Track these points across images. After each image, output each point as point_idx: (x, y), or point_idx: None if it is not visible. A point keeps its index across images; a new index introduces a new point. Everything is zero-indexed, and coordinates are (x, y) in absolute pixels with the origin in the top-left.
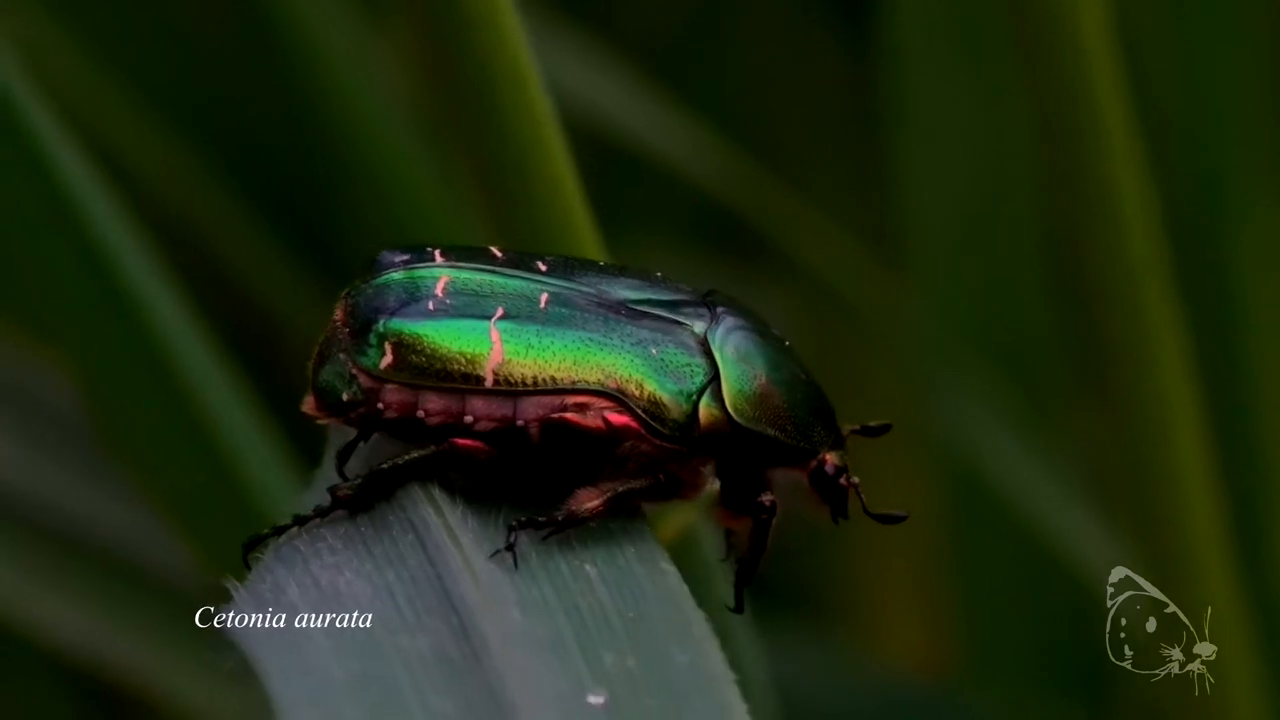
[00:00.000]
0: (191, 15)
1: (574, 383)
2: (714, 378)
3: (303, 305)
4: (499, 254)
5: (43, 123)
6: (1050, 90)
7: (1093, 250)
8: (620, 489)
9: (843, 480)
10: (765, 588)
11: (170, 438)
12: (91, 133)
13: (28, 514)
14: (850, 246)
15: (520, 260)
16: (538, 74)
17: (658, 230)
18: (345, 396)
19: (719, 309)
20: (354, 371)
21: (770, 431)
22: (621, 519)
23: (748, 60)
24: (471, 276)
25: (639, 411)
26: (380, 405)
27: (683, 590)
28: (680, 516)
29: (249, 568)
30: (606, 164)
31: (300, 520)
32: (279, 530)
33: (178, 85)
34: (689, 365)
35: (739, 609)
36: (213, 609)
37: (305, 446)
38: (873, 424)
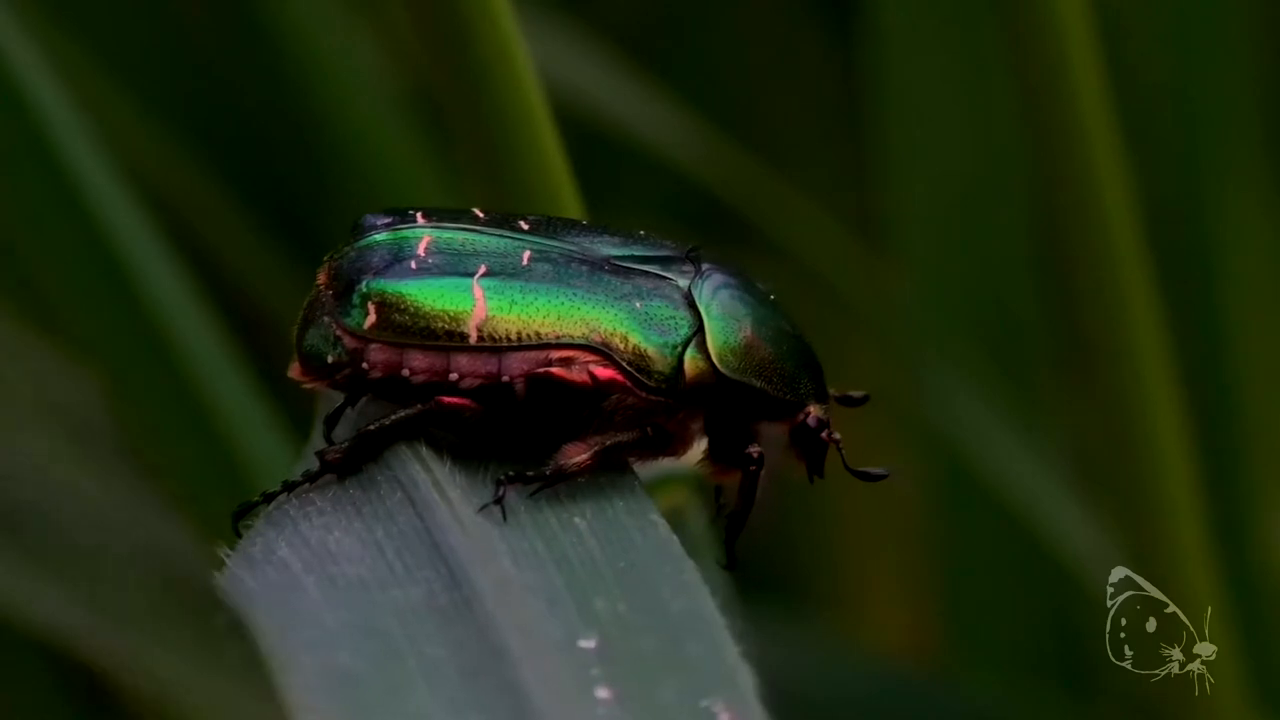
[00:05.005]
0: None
1: (558, 337)
2: (699, 330)
3: (287, 291)
4: (481, 214)
5: (54, 116)
6: (1033, 76)
7: (1075, 235)
8: (608, 443)
9: (824, 435)
10: (750, 573)
11: (182, 429)
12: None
13: (38, 508)
14: (836, 232)
15: (503, 220)
16: (529, 59)
17: (643, 215)
18: (330, 359)
19: (703, 264)
20: (338, 333)
21: (756, 383)
22: (610, 473)
23: (734, 46)
24: (454, 236)
25: (624, 365)
26: (365, 365)
27: (673, 540)
28: (668, 496)
29: (240, 536)
30: (593, 150)
31: (289, 486)
32: (269, 497)
33: (161, 71)
34: (673, 318)
35: (731, 565)
36: (205, 577)
37: (301, 430)
38: (853, 393)
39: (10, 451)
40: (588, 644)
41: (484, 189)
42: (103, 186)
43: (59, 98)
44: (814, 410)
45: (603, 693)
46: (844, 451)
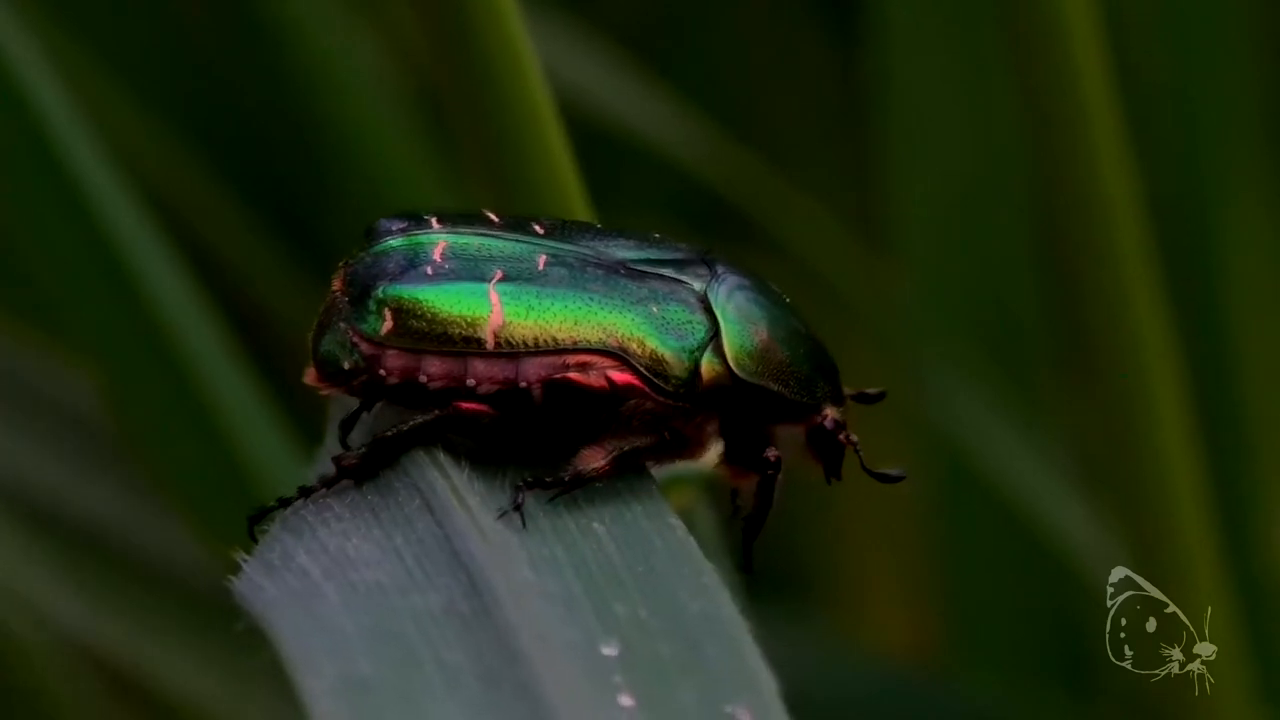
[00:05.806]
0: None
1: (575, 342)
2: (715, 333)
3: (288, 292)
4: (496, 218)
5: (54, 116)
6: (1036, 74)
7: (1077, 234)
8: (625, 448)
9: (841, 437)
10: (752, 574)
11: (185, 433)
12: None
13: (39, 508)
14: (837, 231)
15: (518, 224)
16: (535, 57)
17: (645, 214)
18: (346, 365)
19: (718, 267)
20: (354, 339)
21: (773, 385)
22: (628, 478)
23: (734, 46)
24: (469, 240)
25: (641, 369)
26: (382, 371)
27: (691, 543)
28: (677, 498)
29: (255, 541)
30: (595, 149)
31: (305, 491)
32: (285, 502)
33: (161, 71)
34: (690, 322)
35: (747, 568)
36: (221, 581)
37: (304, 430)
38: (869, 391)
39: (10, 451)
40: (610, 650)
41: (488, 189)
42: (103, 186)
43: (59, 97)
44: (831, 412)
45: (625, 700)
46: (861, 453)
